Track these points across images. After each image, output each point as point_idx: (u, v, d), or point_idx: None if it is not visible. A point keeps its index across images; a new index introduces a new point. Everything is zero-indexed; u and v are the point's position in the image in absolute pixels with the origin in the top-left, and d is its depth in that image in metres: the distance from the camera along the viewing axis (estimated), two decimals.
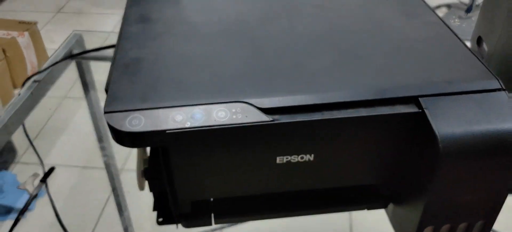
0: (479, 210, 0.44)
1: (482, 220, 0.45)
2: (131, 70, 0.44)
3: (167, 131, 0.38)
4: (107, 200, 1.07)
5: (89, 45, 0.90)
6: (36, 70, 1.93)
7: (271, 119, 0.39)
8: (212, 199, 0.48)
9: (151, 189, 0.50)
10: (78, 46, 0.83)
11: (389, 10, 0.55)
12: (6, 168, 1.01)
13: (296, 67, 0.45)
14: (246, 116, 0.39)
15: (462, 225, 0.46)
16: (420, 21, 0.53)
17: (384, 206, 0.51)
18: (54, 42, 2.11)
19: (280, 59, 0.46)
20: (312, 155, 0.43)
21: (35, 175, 0.61)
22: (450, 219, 0.45)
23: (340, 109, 0.41)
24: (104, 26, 2.22)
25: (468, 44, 0.80)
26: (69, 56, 0.77)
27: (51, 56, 0.79)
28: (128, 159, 1.05)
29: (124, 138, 0.39)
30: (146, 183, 0.50)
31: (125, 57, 0.46)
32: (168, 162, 0.42)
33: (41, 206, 0.94)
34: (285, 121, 0.39)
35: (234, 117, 0.39)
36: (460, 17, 2.21)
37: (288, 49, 0.48)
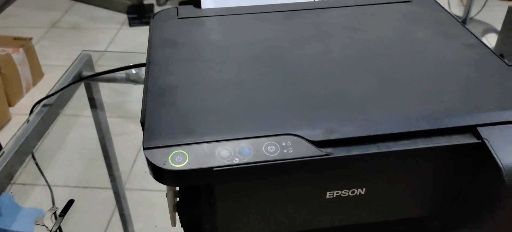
0: None
1: None
2: (166, 100, 0.42)
3: (214, 169, 0.35)
4: (109, 220, 1.03)
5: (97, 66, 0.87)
6: (31, 87, 1.89)
7: (324, 153, 0.37)
8: None
9: (182, 224, 0.47)
10: (87, 67, 0.80)
11: (423, 30, 0.53)
12: (3, 189, 0.97)
13: (340, 95, 0.42)
14: (298, 151, 0.37)
15: None
16: (459, 42, 0.51)
17: None
18: (49, 58, 2.06)
19: (322, 86, 0.43)
20: (364, 189, 0.40)
21: (53, 209, 0.58)
22: None
23: (395, 140, 0.38)
24: (100, 42, 2.18)
25: None
26: (80, 79, 0.74)
27: (60, 79, 0.75)
28: (128, 178, 1.02)
29: (167, 176, 0.36)
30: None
31: (158, 85, 0.44)
32: (212, 200, 0.39)
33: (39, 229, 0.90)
34: (340, 155, 0.37)
35: (285, 151, 0.37)
36: None
37: (328, 74, 0.45)
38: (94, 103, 0.82)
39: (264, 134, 0.38)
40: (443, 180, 0.41)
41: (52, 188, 1.05)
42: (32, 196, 0.96)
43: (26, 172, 1.10)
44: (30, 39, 1.91)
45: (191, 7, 0.59)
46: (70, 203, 0.59)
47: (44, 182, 1.06)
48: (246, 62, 0.48)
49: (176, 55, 0.48)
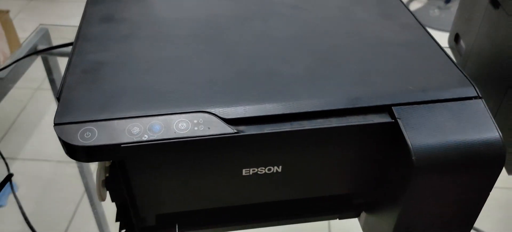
0: (454, 221, 0.43)
1: (457, 231, 0.44)
2: (87, 76, 0.41)
3: (122, 145, 0.35)
4: (82, 195, 1.04)
5: (56, 40, 0.86)
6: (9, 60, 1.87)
7: (235, 131, 0.37)
8: (177, 212, 0.46)
9: (113, 200, 0.47)
10: (44, 41, 0.79)
11: (366, 10, 0.53)
12: None
13: (267, 74, 0.42)
14: (209, 128, 0.37)
15: None
16: (397, 22, 0.51)
17: (356, 215, 0.49)
18: (27, 31, 2.03)
19: (251, 65, 0.43)
20: (280, 167, 0.41)
21: None
22: (424, 230, 0.43)
23: (310, 119, 0.38)
24: (78, 14, 2.15)
25: (447, 35, 0.79)
26: (34, 52, 0.73)
27: (14, 53, 0.74)
28: None
29: (76, 152, 0.36)
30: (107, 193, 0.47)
31: (82, 61, 0.43)
32: (126, 176, 0.39)
33: (14, 202, 0.91)
34: (251, 132, 0.37)
35: (196, 128, 0.37)
36: (439, 8, 2.21)
37: (260, 54, 0.45)
38: (52, 78, 0.81)
39: (177, 111, 0.38)
40: (359, 158, 0.42)
41: (33, 161, 1.04)
42: (12, 169, 0.96)
43: (2, 146, 1.10)
44: (7, 11, 1.88)
45: None
46: (9, 177, 0.59)
47: (21, 157, 1.06)
48: (180, 39, 0.47)
49: (108, 32, 0.48)
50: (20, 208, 0.81)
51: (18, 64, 0.73)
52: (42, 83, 1.49)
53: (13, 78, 0.72)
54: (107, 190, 0.46)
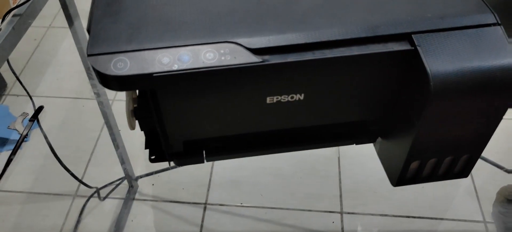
0: (466, 144, 0.45)
1: (468, 154, 0.46)
2: (113, 8, 0.42)
3: (154, 74, 0.37)
4: (101, 130, 1.08)
5: None
6: None
7: (260, 60, 0.38)
8: (203, 138, 0.48)
9: (142, 128, 0.50)
10: None
11: None
12: None
13: (286, 4, 0.43)
14: (235, 57, 0.38)
15: (448, 159, 0.47)
16: None
17: (372, 140, 0.52)
18: None
19: None
20: (303, 94, 0.42)
21: (24, 114, 0.61)
22: (437, 153, 0.45)
23: (332, 48, 0.40)
24: None
25: None
26: None
27: None
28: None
29: (110, 82, 0.38)
30: (136, 122, 0.50)
31: None
32: (157, 104, 0.41)
33: (38, 135, 0.95)
34: (275, 61, 0.38)
35: (223, 58, 0.38)
36: None
37: None
38: (68, 14, 0.82)
39: (204, 42, 0.39)
40: (379, 86, 0.43)
41: (49, 98, 1.07)
42: (29, 106, 1.00)
43: (19, 84, 1.13)
44: None
45: None
46: (40, 109, 0.62)
47: (37, 94, 1.10)
48: None
49: None
50: (46, 138, 0.85)
51: (35, 1, 0.73)
52: (54, 21, 1.48)
53: (31, 14, 0.73)
54: (136, 119, 0.49)
